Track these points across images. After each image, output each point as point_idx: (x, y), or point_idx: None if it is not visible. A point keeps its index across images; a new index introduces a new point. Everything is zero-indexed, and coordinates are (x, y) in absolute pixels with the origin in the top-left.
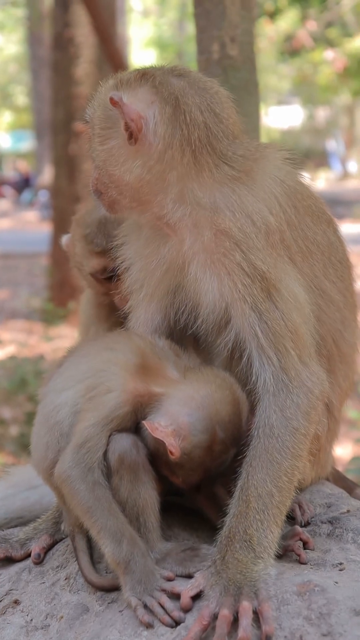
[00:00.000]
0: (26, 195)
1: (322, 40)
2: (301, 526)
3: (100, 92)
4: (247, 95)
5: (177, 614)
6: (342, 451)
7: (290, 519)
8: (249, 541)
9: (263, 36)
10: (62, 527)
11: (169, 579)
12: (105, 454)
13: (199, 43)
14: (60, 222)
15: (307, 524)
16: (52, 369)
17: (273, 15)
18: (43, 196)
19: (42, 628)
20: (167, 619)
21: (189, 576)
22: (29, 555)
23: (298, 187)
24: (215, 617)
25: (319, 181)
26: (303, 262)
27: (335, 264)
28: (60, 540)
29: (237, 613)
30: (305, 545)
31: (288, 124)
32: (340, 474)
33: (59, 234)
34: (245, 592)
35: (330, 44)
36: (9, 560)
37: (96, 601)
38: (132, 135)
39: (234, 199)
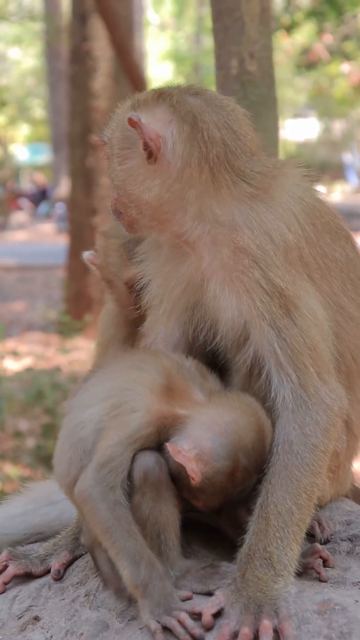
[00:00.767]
0: (43, 207)
1: (339, 54)
2: (321, 544)
3: (118, 114)
4: (266, 111)
5: (197, 631)
6: None
7: (310, 536)
8: (269, 559)
9: (279, 49)
10: (82, 540)
11: (188, 599)
12: (129, 471)
13: (217, 58)
14: (77, 234)
15: (326, 542)
16: (79, 384)
17: (289, 28)
18: (60, 209)
19: None
20: (187, 638)
21: (209, 594)
22: (48, 572)
23: (316, 204)
24: (235, 635)
25: (335, 194)
26: (321, 279)
27: (353, 280)
28: (80, 556)
29: (257, 631)
30: (325, 563)
31: (304, 136)
32: (359, 491)
33: (75, 246)
34: (266, 610)
35: (346, 57)
36: (29, 576)
37: (116, 618)
38: (151, 155)
39: (253, 216)
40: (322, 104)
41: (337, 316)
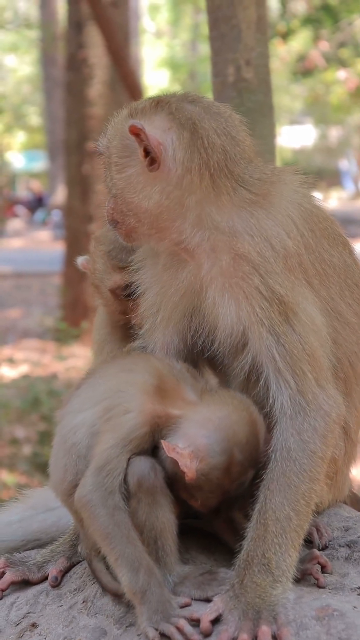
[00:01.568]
0: (39, 214)
1: (335, 61)
2: (319, 550)
3: (115, 122)
4: (262, 118)
5: (196, 638)
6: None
7: (308, 542)
8: (267, 565)
9: (275, 57)
10: (79, 549)
11: (186, 605)
12: (124, 477)
13: (214, 66)
14: (73, 241)
15: (324, 548)
16: (70, 392)
17: (285, 36)
18: (56, 216)
19: None
20: None
21: (207, 600)
22: (46, 578)
23: (315, 210)
24: None
25: (332, 200)
26: (320, 285)
27: (351, 286)
28: (78, 563)
29: (256, 637)
30: (323, 569)
31: (300, 143)
32: (357, 497)
33: (71, 253)
34: (264, 616)
35: (342, 64)
36: (26, 583)
37: (114, 625)
38: (153, 162)
39: (253, 222)
40: (319, 110)
41: (335, 322)
